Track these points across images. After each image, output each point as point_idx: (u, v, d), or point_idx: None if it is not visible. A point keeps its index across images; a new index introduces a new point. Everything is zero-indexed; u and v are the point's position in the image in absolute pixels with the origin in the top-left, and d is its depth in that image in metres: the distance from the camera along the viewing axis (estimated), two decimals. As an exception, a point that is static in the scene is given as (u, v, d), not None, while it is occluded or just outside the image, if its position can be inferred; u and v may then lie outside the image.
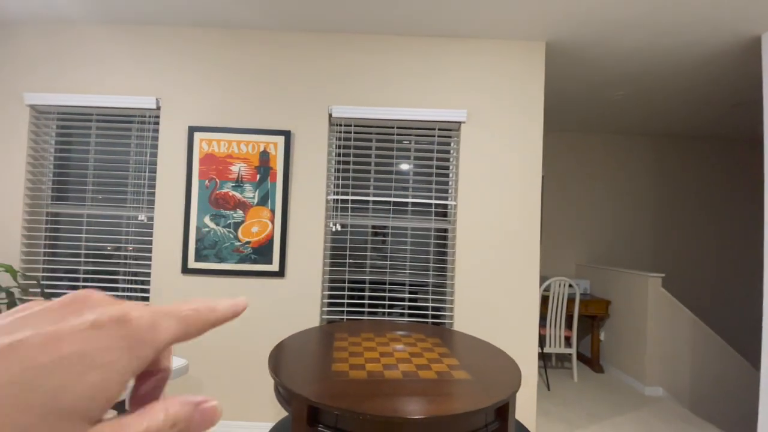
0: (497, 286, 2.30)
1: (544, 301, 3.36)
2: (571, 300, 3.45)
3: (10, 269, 2.08)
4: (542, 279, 3.90)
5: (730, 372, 3.14)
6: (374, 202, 2.39)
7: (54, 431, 0.13)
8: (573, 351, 3.36)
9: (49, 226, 2.39)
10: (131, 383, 0.16)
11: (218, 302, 0.19)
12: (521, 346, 2.29)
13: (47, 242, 2.38)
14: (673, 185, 4.33)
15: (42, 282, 2.32)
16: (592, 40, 2.28)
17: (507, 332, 2.29)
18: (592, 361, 3.72)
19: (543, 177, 3.42)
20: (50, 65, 2.34)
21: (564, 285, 3.30)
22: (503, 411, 1.19)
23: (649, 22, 2.07)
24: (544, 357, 3.26)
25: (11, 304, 2.10)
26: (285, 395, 1.22)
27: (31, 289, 2.33)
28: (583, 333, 4.10)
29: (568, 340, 3.49)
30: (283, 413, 2.28)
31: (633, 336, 3.41)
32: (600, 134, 4.30)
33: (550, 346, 3.31)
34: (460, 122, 2.32)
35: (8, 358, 0.13)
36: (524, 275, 2.30)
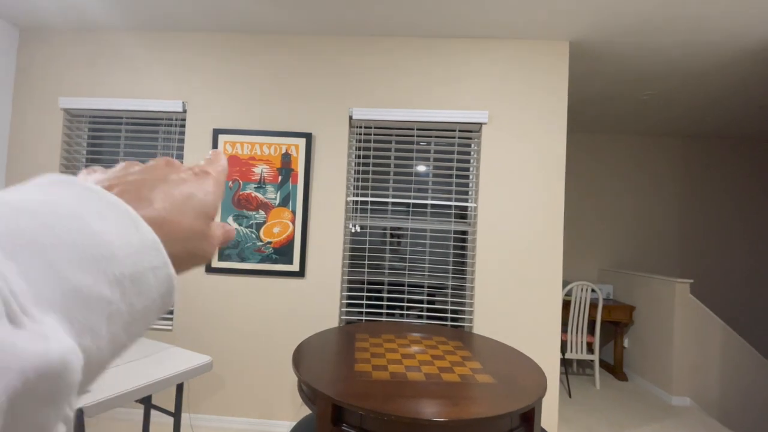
0: (518, 289, 2.27)
1: (566, 306, 3.29)
2: (593, 305, 3.37)
3: (44, 266, 2.16)
4: (563, 283, 3.82)
5: (762, 382, 3.00)
6: (393, 203, 2.39)
7: (202, 223, 0.22)
8: (595, 357, 3.28)
9: (80, 225, 2.47)
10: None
11: (218, 160, 0.27)
12: (543, 352, 2.24)
13: (79, 241, 2.47)
14: (701, 187, 4.19)
15: (73, 279, 2.41)
16: (618, 39, 2.23)
17: (528, 337, 2.25)
18: (615, 368, 3.62)
19: (565, 179, 3.35)
20: (83, 70, 2.44)
21: (586, 290, 3.22)
22: (529, 416, 1.17)
23: (676, 19, 2.01)
24: (565, 363, 3.19)
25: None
26: (309, 394, 1.24)
27: (63, 286, 2.42)
28: (606, 339, 3.99)
29: (590, 346, 3.40)
30: (303, 412, 2.30)
31: (659, 343, 3.30)
32: (625, 135, 4.19)
33: (571, 351, 3.24)
34: (481, 123, 2.30)
35: (174, 187, 0.21)
36: (546, 279, 2.26)
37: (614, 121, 3.76)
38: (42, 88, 2.46)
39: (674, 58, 2.43)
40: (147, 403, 1.82)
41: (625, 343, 3.69)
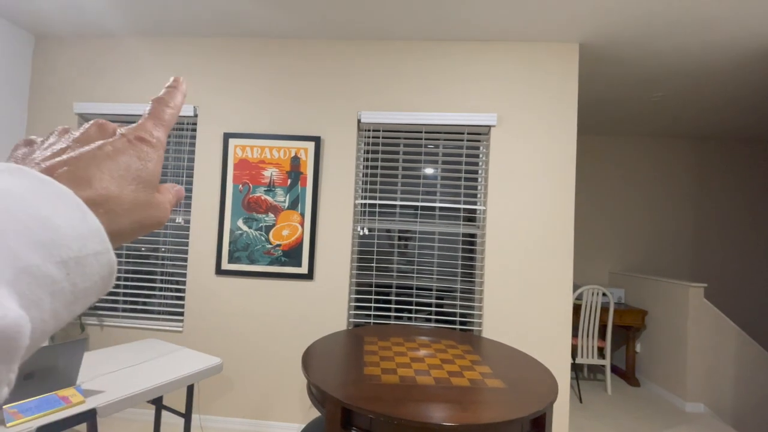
0: (528, 293, 2.25)
1: (576, 310, 3.25)
2: (604, 309, 3.32)
3: (59, 268, 2.20)
4: (573, 287, 3.78)
5: (780, 389, 2.92)
6: (402, 206, 2.40)
7: (145, 193, 0.23)
8: (606, 363, 3.23)
9: (94, 227, 2.52)
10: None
11: (177, 93, 0.27)
12: (553, 356, 2.22)
13: (92, 243, 2.51)
14: (715, 189, 4.11)
15: (87, 280, 2.45)
16: (628, 40, 2.21)
17: (538, 341, 2.23)
18: (627, 373, 3.56)
19: (575, 181, 3.29)
20: (96, 76, 2.49)
21: (597, 294, 3.18)
22: (540, 422, 1.16)
23: (687, 19, 1.99)
24: (575, 368, 3.15)
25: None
26: (318, 396, 1.24)
27: (77, 287, 2.46)
28: (617, 344, 3.93)
29: (600, 351, 3.36)
30: (312, 414, 2.30)
31: (672, 348, 3.24)
32: (636, 137, 4.14)
33: (581, 356, 3.20)
34: (489, 126, 2.29)
35: (110, 160, 0.21)
36: (557, 283, 2.24)
37: (625, 123, 3.72)
38: (57, 94, 2.51)
39: (686, 59, 2.40)
40: (158, 403, 1.84)
41: (638, 348, 3.63)
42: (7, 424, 0.99)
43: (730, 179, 4.12)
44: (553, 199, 2.26)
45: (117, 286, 2.48)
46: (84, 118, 2.51)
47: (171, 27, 2.35)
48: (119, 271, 2.49)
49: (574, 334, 3.30)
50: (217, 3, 2.08)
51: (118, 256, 2.49)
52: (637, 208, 4.12)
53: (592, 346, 3.20)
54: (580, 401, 3.07)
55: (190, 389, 1.68)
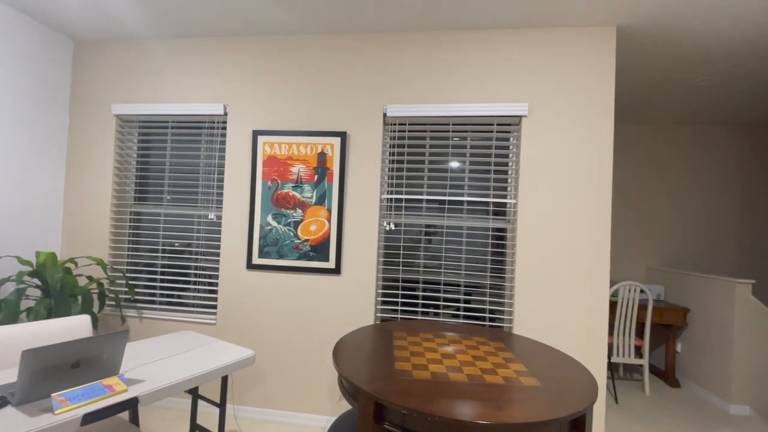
0: (562, 289, 2.17)
1: (611, 307, 3.12)
2: (642, 307, 3.17)
3: (101, 263, 2.32)
4: (609, 283, 3.63)
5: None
6: (428, 201, 2.36)
7: None
8: (645, 362, 3.09)
9: (132, 224, 2.64)
10: None
11: None
12: (588, 355, 2.14)
13: (131, 239, 2.63)
14: (763, 180, 3.83)
15: (126, 274, 2.57)
16: (670, 21, 2.08)
17: (572, 339, 2.15)
18: (666, 374, 3.39)
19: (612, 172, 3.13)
20: (132, 78, 2.59)
21: (634, 290, 3.04)
22: (579, 423, 1.12)
23: (742, -4, 1.84)
24: (610, 367, 3.03)
25: (101, 294, 2.34)
26: (350, 390, 1.24)
27: (117, 281, 2.59)
28: (656, 343, 3.75)
29: (638, 349, 3.21)
30: (340, 407, 2.33)
31: (716, 348, 3.06)
32: (675, 125, 3.91)
33: (617, 355, 3.07)
34: (520, 116, 2.21)
35: None
36: (592, 279, 2.15)
37: (664, 111, 3.52)
38: (95, 97, 2.63)
39: (732, 39, 2.22)
40: (194, 393, 1.91)
41: (678, 347, 3.45)
42: (56, 412, 1.04)
43: (782, 168, 3.82)
44: (588, 190, 2.16)
45: (154, 280, 2.58)
46: (121, 118, 2.61)
47: (199, 29, 2.40)
48: (155, 265, 2.59)
49: (610, 332, 3.17)
50: (242, 4, 2.10)
51: (155, 251, 2.59)
52: (678, 199, 3.90)
53: (629, 345, 3.07)
54: (616, 401, 2.96)
55: (225, 380, 1.73)
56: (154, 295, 2.60)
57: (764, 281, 3.80)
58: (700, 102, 3.27)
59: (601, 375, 2.13)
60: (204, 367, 1.46)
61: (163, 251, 2.59)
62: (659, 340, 3.72)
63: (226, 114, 2.47)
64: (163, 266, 2.59)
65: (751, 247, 3.82)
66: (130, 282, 2.57)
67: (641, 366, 3.15)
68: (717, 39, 2.24)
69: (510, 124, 2.29)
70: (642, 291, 3.07)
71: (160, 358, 1.53)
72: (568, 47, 2.20)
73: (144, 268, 2.62)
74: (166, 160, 2.59)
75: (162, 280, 2.58)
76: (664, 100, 3.25)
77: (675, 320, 3.28)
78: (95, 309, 2.53)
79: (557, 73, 2.20)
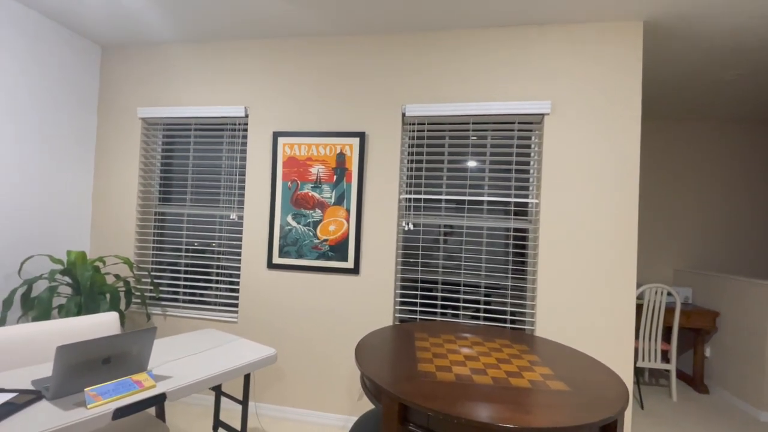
0: (586, 291, 2.12)
1: (637, 310, 3.03)
2: (669, 310, 3.07)
3: (127, 261, 2.38)
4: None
5: None
6: (447, 201, 2.34)
7: None
8: (672, 367, 2.99)
9: (156, 224, 2.70)
10: None
11: None
12: (613, 359, 2.08)
13: (155, 238, 2.70)
14: (800, 179, 3.65)
15: (151, 273, 2.63)
16: (700, 14, 2.00)
17: (596, 342, 2.10)
18: (694, 379, 3.27)
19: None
20: (156, 82, 2.65)
21: (661, 293, 2.94)
22: (610, 430, 1.08)
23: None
24: (636, 372, 2.94)
25: (128, 292, 2.41)
26: (373, 390, 1.24)
27: (143, 279, 2.66)
28: (683, 348, 3.63)
29: (665, 354, 3.11)
30: (359, 406, 2.33)
31: (748, 354, 2.94)
32: (704, 122, 3.76)
33: (643, 360, 2.98)
34: (543, 114, 2.17)
35: None
36: (618, 281, 2.09)
37: (693, 107, 3.39)
38: (122, 101, 2.71)
39: (764, 33, 2.13)
40: (218, 390, 1.94)
41: (707, 352, 3.32)
42: (88, 406, 1.06)
43: (820, 166, 3.64)
44: (613, 190, 2.11)
45: (177, 279, 2.64)
46: (146, 121, 2.68)
47: (220, 32, 2.44)
48: (179, 264, 2.65)
49: (636, 336, 3.07)
50: (261, 7, 2.13)
51: (178, 250, 2.65)
52: (706, 199, 3.76)
53: (655, 349, 2.97)
54: (642, 407, 2.87)
55: (247, 377, 1.76)
56: (177, 293, 2.66)
57: (800, 284, 3.63)
58: (727, 98, 3.14)
59: (627, 380, 2.07)
60: (228, 365, 1.48)
61: (186, 251, 2.65)
62: (687, 344, 3.59)
63: (247, 116, 2.50)
64: (187, 265, 2.65)
65: (786, 249, 3.65)
66: (155, 280, 2.64)
67: (668, 371, 3.05)
68: (747, 33, 2.14)
69: (532, 123, 2.25)
70: (669, 294, 2.97)
71: (186, 355, 1.56)
72: (593, 44, 2.14)
73: (168, 267, 2.69)
74: (189, 162, 2.65)
75: (185, 279, 2.64)
76: (691, 96, 3.14)
77: (704, 324, 3.16)
78: (122, 306, 2.61)
79: (581, 70, 2.15)
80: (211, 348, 1.66)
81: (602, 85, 2.13)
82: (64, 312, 2.04)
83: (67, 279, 2.57)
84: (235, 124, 2.57)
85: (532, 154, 2.26)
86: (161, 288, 2.65)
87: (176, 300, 2.65)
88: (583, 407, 1.06)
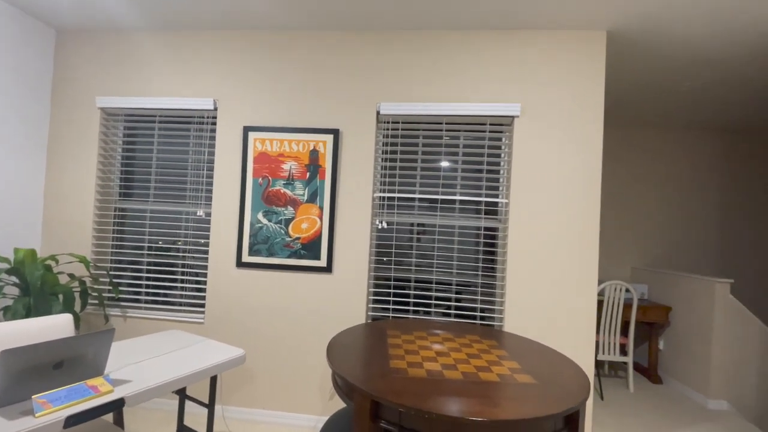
0: (551, 288, 2.20)
1: (598, 306, 3.18)
2: (627, 305, 3.24)
3: (84, 260, 2.24)
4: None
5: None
6: (421, 199, 2.36)
7: None
8: (629, 360, 3.16)
9: (116, 220, 2.56)
10: None
11: None
12: (576, 353, 2.17)
13: (115, 235, 2.56)
14: (742, 184, 3.96)
15: (110, 272, 2.49)
16: (657, 27, 2.12)
17: (560, 337, 2.18)
18: (649, 370, 3.48)
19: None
20: (118, 70, 2.51)
21: (620, 289, 3.10)
22: (573, 419, 1.13)
23: (719, 8, 1.89)
24: (597, 365, 3.08)
25: (83, 292, 2.26)
26: (345, 388, 1.23)
27: (101, 279, 2.51)
28: (640, 341, 3.85)
29: (623, 347, 3.28)
30: (331, 405, 2.31)
31: (696, 345, 3.15)
32: (661, 129, 4.00)
33: (603, 353, 3.13)
34: (513, 116, 2.23)
35: None
36: (581, 278, 2.18)
37: (651, 115, 3.60)
38: (79, 88, 2.54)
39: (714, 49, 2.29)
40: (182, 394, 1.86)
41: (661, 344, 3.54)
42: (36, 415, 0.99)
43: (758, 173, 3.96)
44: (578, 191, 2.20)
45: (139, 278, 2.52)
46: (106, 112, 2.53)
47: (189, 21, 2.34)
48: (141, 263, 2.52)
49: (597, 331, 3.23)
50: (237, -6, 2.06)
51: (140, 248, 2.52)
52: (662, 202, 4.00)
53: (614, 343, 3.13)
54: (602, 398, 3.01)
55: (214, 380, 1.70)
56: (139, 293, 2.53)
57: (742, 281, 3.93)
58: (683, 107, 3.35)
59: (589, 372, 2.16)
60: (193, 367, 1.42)
61: (150, 249, 2.52)
62: (643, 338, 3.81)
63: (215, 109, 2.42)
64: (149, 264, 2.53)
65: (730, 248, 3.95)
66: (114, 280, 2.50)
67: (626, 363, 3.22)
68: (700, 47, 2.30)
69: (502, 124, 2.31)
70: (627, 290, 3.14)
71: (147, 357, 1.49)
72: (560, 50, 2.22)
73: (129, 266, 2.55)
74: (153, 156, 2.53)
75: (148, 278, 2.52)
76: (650, 104, 3.33)
77: (658, 318, 3.37)
78: (77, 308, 2.45)
79: (549, 75, 2.23)
80: (175, 350, 1.60)
81: (568, 91, 2.22)
82: (11, 314, 1.90)
83: (14, 279, 2.39)
84: (203, 117, 2.47)
85: (503, 155, 2.32)
86: (121, 288, 2.52)
87: (138, 301, 2.53)
88: (548, 399, 1.10)
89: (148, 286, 2.52)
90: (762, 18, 1.99)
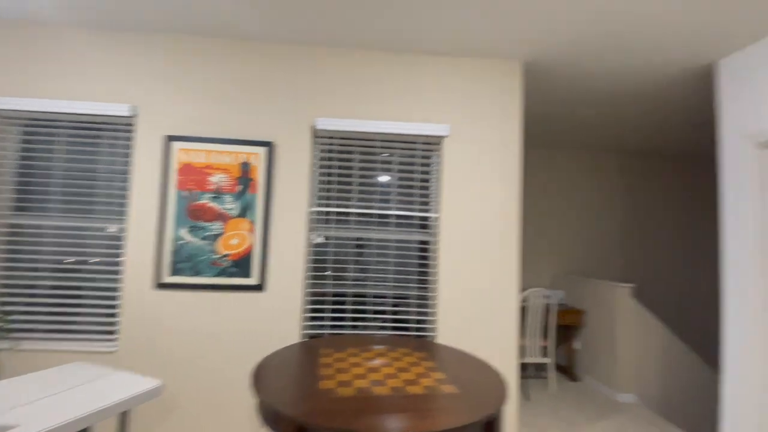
0: (479, 298, 2.32)
1: (522, 312, 3.42)
2: (547, 310, 3.53)
3: (-39, 285, 1.91)
4: (520, 290, 3.98)
5: (695, 377, 3.29)
6: (357, 214, 2.38)
7: None
8: (550, 361, 3.43)
9: (8, 238, 2.23)
10: None
11: None
12: (503, 357, 2.31)
13: (5, 255, 2.22)
14: (641, 200, 4.57)
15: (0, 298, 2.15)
16: (566, 61, 2.40)
17: (489, 344, 2.31)
18: (568, 369, 3.80)
19: (523, 191, 3.46)
20: (19, 68, 2.22)
21: (542, 296, 3.37)
22: (492, 425, 1.19)
23: (618, 44, 2.20)
24: (524, 367, 3.30)
25: (-39, 323, 1.93)
26: (270, 416, 1.18)
27: (-16, 307, 2.15)
28: (561, 343, 4.19)
29: (545, 349, 3.56)
30: (262, 434, 2.19)
31: (605, 345, 3.52)
32: (575, 151, 4.49)
33: (528, 356, 3.37)
34: (442, 136, 2.36)
35: None
36: (505, 287, 2.34)
37: (565, 138, 4.02)
38: (-37, 86, 2.20)
39: (616, 80, 2.64)
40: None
41: (577, 345, 3.89)
42: None
43: (654, 191, 4.60)
44: (501, 207, 2.37)
45: (35, 304, 2.20)
46: (1, 114, 2.22)
47: (109, 20, 2.15)
48: (36, 287, 2.21)
49: (522, 335, 3.46)
50: (159, -2, 1.94)
51: (34, 269, 2.21)
52: (576, 215, 4.46)
53: (537, 346, 3.38)
54: (528, 398, 3.22)
55: (124, 417, 1.53)
56: (35, 321, 2.21)
57: (643, 285, 4.49)
58: (589, 132, 3.80)
59: (513, 376, 2.31)
60: (97, 404, 1.27)
61: (49, 269, 2.22)
62: (563, 339, 4.17)
63: (132, 116, 2.23)
64: (49, 287, 2.22)
65: (632, 256, 4.50)
66: (4, 307, 2.15)
67: (548, 364, 3.49)
68: (599, 80, 2.64)
69: (433, 143, 2.43)
70: (547, 296, 3.42)
71: (40, 397, 1.30)
72: (483, 76, 2.41)
73: (23, 291, 2.22)
74: (55, 164, 2.25)
75: (46, 304, 2.21)
76: (563, 128, 3.72)
77: (574, 321, 3.71)
78: (-50, 343, 2.07)
79: (474, 98, 2.40)
80: (75, 386, 1.41)
81: (490, 113, 2.40)
82: None
83: None
84: (116, 124, 2.27)
85: (433, 173, 2.43)
86: (13, 317, 2.17)
87: (33, 330, 2.20)
88: (469, 408, 1.16)
89: (47, 313, 2.21)
90: (646, 56, 2.34)
